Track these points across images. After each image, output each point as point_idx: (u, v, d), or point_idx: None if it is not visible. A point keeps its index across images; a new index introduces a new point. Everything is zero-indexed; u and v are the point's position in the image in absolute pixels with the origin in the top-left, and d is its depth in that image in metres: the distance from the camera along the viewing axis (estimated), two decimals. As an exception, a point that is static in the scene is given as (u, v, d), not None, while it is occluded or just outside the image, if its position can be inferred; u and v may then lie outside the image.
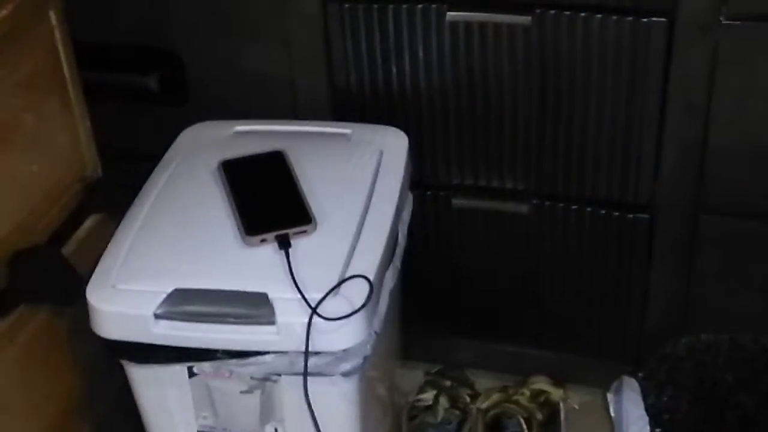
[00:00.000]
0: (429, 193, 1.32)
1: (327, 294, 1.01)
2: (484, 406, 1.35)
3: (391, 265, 1.13)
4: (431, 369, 1.44)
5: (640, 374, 1.20)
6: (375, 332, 1.06)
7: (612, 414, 1.17)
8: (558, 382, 1.39)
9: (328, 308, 1.01)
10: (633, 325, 1.35)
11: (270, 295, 1.01)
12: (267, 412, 1.10)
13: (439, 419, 1.36)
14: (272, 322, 1.01)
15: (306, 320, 1.00)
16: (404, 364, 1.43)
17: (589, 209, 1.28)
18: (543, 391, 1.37)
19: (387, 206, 1.13)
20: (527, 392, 1.36)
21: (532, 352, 1.42)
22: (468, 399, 1.39)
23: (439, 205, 1.33)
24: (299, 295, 1.01)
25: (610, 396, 1.19)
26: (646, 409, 1.15)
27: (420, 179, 1.29)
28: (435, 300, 1.42)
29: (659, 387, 1.22)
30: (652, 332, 1.33)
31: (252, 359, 1.03)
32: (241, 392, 1.08)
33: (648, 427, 1.13)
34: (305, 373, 1.02)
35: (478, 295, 1.40)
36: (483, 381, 1.43)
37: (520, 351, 1.43)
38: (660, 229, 1.27)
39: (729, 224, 1.25)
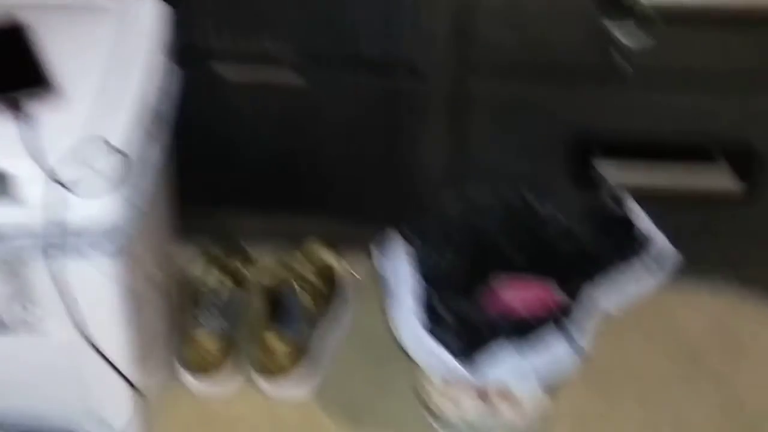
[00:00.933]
0: (197, 65, 1.24)
1: (77, 168, 0.95)
2: (261, 275, 1.33)
3: (154, 139, 1.08)
4: (208, 245, 1.41)
5: (409, 231, 1.20)
6: (137, 208, 1.01)
7: (381, 271, 1.18)
8: (336, 250, 1.39)
9: (77, 181, 0.95)
10: (408, 189, 1.36)
11: (12, 171, 0.95)
12: (22, 295, 1.04)
13: (216, 294, 1.33)
14: (15, 199, 0.95)
15: (51, 195, 0.94)
16: (180, 241, 1.38)
17: (361, 72, 1.26)
18: (321, 258, 1.36)
19: (142, 76, 1.08)
20: (305, 260, 1.35)
21: (309, 220, 1.40)
22: (245, 271, 1.37)
23: (208, 78, 1.27)
24: (43, 169, 0.94)
25: (379, 254, 1.19)
26: (415, 265, 1.16)
27: (187, 51, 1.22)
28: (210, 174, 1.38)
29: (428, 243, 1.22)
30: (426, 195, 1.33)
31: (-2, 240, 0.97)
32: (-9, 276, 1.02)
33: (416, 282, 1.13)
34: (55, 253, 0.96)
35: (255, 166, 1.36)
36: (262, 253, 1.41)
37: (298, 220, 1.40)
38: (432, 92, 1.27)
39: (497, 86, 1.25)
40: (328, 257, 1.37)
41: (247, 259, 1.40)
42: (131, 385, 1.11)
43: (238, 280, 1.36)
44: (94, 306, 1.05)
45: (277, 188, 1.39)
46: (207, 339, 1.29)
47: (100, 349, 1.06)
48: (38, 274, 1.02)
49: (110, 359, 1.08)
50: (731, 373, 1.34)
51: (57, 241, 0.96)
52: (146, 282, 1.20)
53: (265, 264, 1.35)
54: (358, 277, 1.40)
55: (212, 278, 1.34)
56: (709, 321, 1.41)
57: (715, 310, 1.42)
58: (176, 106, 1.17)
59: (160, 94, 1.12)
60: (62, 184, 0.94)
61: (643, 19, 1.14)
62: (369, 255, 1.32)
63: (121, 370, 1.09)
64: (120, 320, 1.09)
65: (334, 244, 1.39)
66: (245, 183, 1.39)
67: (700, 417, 1.29)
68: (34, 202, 0.96)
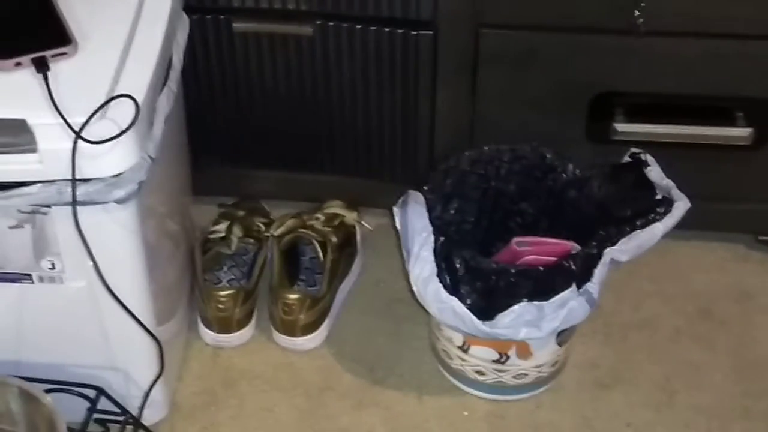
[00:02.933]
0: (208, 17, 1.27)
1: (91, 116, 0.97)
2: (278, 232, 1.34)
3: (166, 89, 1.09)
4: (227, 202, 1.42)
5: (425, 187, 1.21)
6: (149, 157, 1.03)
7: (399, 227, 1.18)
8: (352, 206, 1.39)
9: (95, 132, 0.97)
10: (423, 146, 1.36)
11: (29, 121, 0.97)
12: (41, 246, 1.06)
13: (233, 249, 1.35)
14: (34, 150, 0.97)
15: (69, 145, 0.96)
16: (199, 199, 1.40)
17: (373, 28, 1.26)
18: (337, 215, 1.37)
19: (155, 27, 1.09)
20: (322, 217, 1.36)
21: (325, 178, 1.41)
22: (262, 228, 1.38)
23: (219, 30, 1.28)
24: (61, 120, 0.96)
25: (396, 210, 1.20)
26: (432, 221, 1.17)
27: (198, 2, 1.24)
28: (226, 131, 1.39)
29: (445, 199, 1.24)
30: (441, 152, 1.33)
31: (16, 191, 0.98)
32: (10, 227, 1.03)
33: (432, 237, 1.14)
34: (74, 202, 0.98)
35: (269, 124, 1.37)
36: (279, 211, 1.41)
37: (314, 178, 1.42)
38: (443, 46, 1.27)
39: (509, 38, 1.25)
40: (345, 213, 1.38)
41: (264, 216, 1.41)
42: (151, 334, 1.13)
43: (256, 237, 1.38)
44: (113, 258, 1.06)
45: (292, 145, 1.40)
46: (226, 295, 1.31)
47: (120, 299, 1.08)
48: (58, 225, 1.04)
49: (130, 309, 1.09)
50: (741, 325, 1.35)
51: (72, 188, 0.98)
52: (164, 235, 1.22)
53: (280, 218, 1.37)
54: (374, 232, 1.42)
55: (231, 235, 1.36)
56: (719, 274, 1.42)
57: (725, 263, 1.43)
58: (188, 56, 1.19)
59: (172, 43, 1.13)
60: (79, 134, 0.96)
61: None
62: (385, 211, 1.33)
63: (141, 320, 1.11)
64: (139, 273, 1.10)
65: (351, 200, 1.40)
66: (260, 140, 1.40)
67: (710, 368, 1.31)
68: (54, 153, 0.98)
